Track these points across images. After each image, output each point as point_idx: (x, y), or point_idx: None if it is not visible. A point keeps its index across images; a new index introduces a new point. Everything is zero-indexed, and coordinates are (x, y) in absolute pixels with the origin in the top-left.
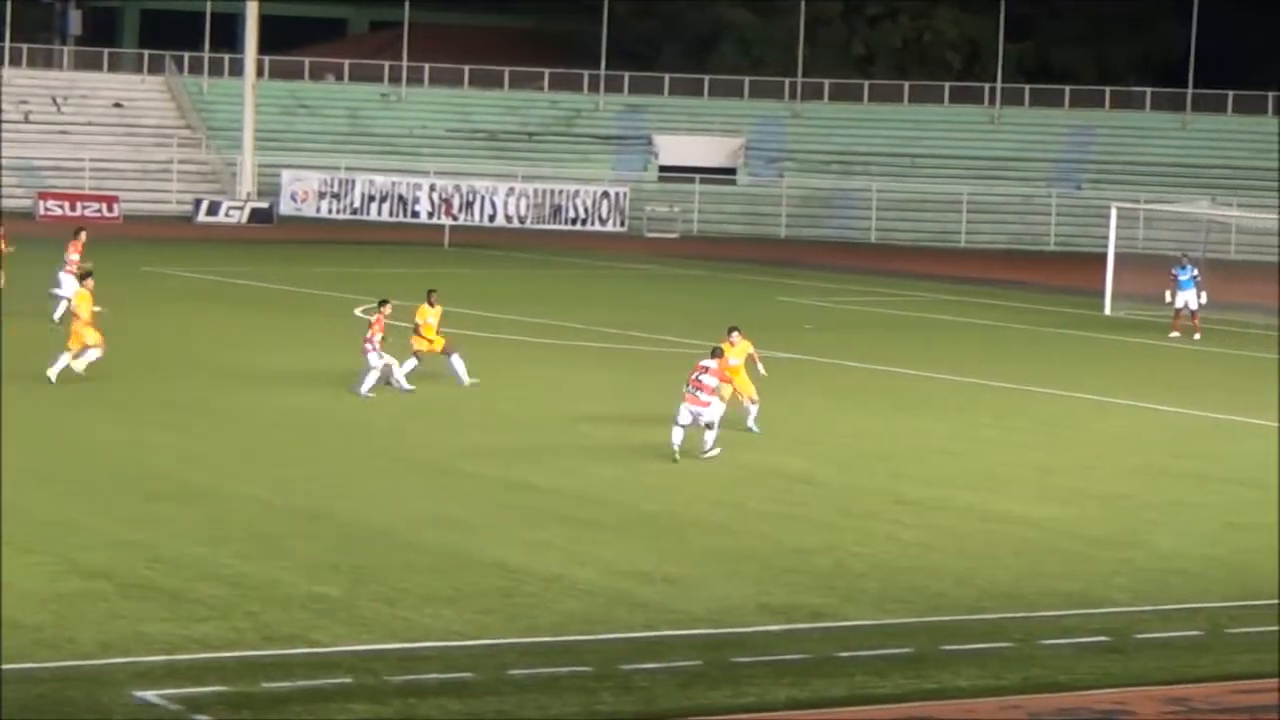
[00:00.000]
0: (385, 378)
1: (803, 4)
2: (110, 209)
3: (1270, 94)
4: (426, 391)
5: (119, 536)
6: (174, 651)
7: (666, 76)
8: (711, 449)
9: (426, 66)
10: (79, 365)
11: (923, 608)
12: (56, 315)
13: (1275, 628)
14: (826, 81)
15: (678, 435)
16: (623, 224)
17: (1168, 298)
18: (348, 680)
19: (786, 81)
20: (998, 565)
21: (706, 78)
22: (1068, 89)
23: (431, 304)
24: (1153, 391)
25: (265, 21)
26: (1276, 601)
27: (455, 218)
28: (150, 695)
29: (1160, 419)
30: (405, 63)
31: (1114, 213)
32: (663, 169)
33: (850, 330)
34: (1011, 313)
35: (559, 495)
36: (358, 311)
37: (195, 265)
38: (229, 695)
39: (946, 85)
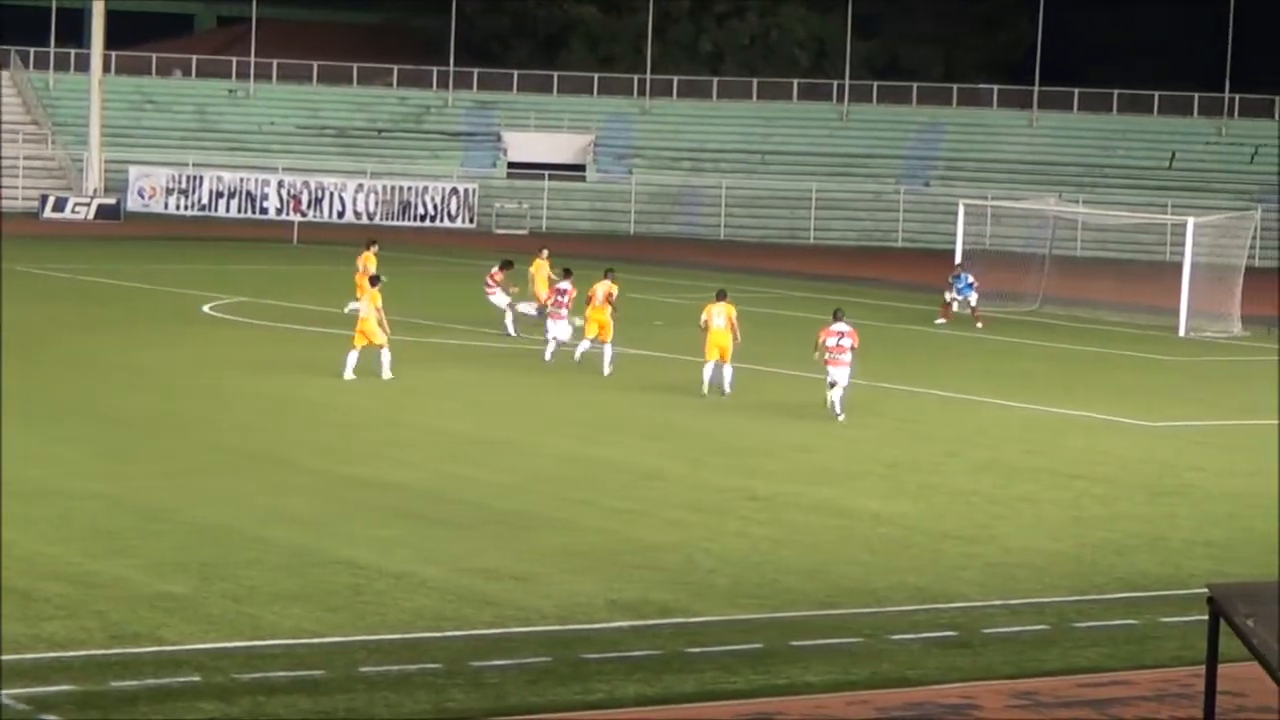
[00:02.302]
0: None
1: (651, 1)
2: None
3: (1114, 91)
4: (274, 387)
5: None
6: (21, 650)
7: (515, 73)
8: (841, 412)
9: (275, 62)
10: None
11: (772, 603)
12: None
13: (1119, 621)
14: (675, 78)
15: (833, 394)
16: (472, 220)
17: (946, 298)
18: (196, 678)
19: (635, 78)
20: (848, 561)
21: (555, 74)
22: (915, 86)
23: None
24: (1001, 388)
25: (112, 16)
26: (1119, 596)
27: (304, 214)
28: None
29: (1009, 415)
30: (253, 59)
31: (961, 209)
32: (512, 165)
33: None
34: (861, 309)
35: (407, 492)
36: (206, 308)
37: (42, 262)
38: (77, 694)
39: (795, 82)
